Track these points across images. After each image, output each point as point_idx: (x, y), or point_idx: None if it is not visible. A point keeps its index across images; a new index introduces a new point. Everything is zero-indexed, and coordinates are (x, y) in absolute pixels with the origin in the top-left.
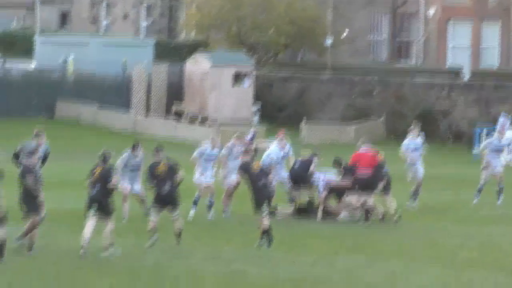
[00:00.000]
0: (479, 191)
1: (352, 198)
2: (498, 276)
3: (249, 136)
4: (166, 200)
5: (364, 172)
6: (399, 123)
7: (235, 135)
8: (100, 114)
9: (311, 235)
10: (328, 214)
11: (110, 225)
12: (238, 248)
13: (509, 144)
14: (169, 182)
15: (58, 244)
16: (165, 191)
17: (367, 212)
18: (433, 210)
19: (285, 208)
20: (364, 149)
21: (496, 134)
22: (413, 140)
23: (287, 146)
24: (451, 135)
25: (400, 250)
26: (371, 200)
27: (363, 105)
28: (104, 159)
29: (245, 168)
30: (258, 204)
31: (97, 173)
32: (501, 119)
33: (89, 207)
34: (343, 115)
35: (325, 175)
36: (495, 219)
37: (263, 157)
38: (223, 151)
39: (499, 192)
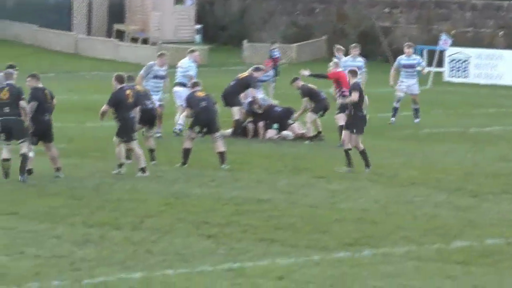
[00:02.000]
0: (395, 110)
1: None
2: (438, 195)
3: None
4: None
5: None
6: (342, 42)
7: (158, 54)
8: (40, 33)
9: (254, 154)
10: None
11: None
12: (181, 168)
13: (418, 64)
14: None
15: None
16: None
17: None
18: (375, 130)
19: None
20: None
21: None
22: (354, 59)
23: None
24: (392, 54)
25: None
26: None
27: (305, 23)
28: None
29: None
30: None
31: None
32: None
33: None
34: (285, 34)
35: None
36: (437, 138)
37: None
38: (141, 71)
39: (416, 112)
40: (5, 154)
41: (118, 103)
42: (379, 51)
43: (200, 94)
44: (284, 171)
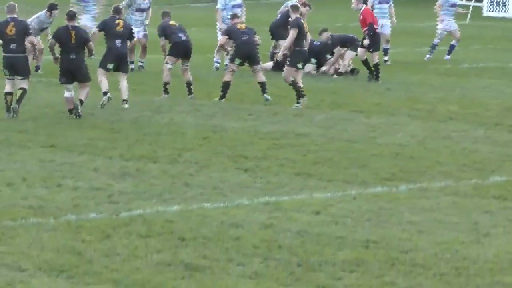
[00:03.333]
0: (433, 47)
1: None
2: (477, 130)
3: None
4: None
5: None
6: None
7: None
8: None
9: (292, 89)
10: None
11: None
12: (219, 102)
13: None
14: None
15: (37, 100)
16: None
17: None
18: (413, 65)
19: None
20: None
21: None
22: None
23: None
24: None
25: (380, 105)
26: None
27: None
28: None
29: None
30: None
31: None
32: None
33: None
34: None
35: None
36: (476, 73)
37: None
38: (123, 2)
39: (451, 47)
40: (7, 88)
41: (107, 30)
42: None
43: (242, 26)
44: (322, 106)
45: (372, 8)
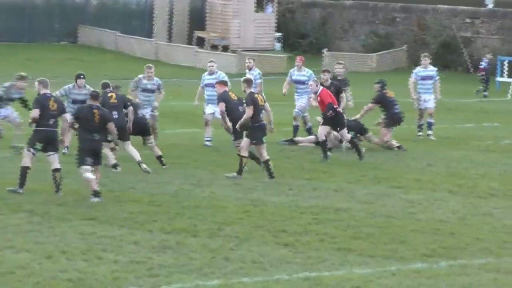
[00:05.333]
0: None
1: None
2: None
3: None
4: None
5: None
6: (422, 52)
7: (145, 66)
8: (121, 40)
9: (332, 163)
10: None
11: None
12: (260, 176)
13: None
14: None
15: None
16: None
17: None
18: (454, 141)
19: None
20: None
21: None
22: (425, 68)
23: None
24: (472, 64)
25: (420, 181)
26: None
27: (386, 32)
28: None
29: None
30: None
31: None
32: None
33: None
34: (365, 43)
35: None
36: None
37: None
38: (130, 85)
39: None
40: (28, 162)
41: (103, 105)
42: (459, 62)
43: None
44: (363, 181)
45: (416, 84)
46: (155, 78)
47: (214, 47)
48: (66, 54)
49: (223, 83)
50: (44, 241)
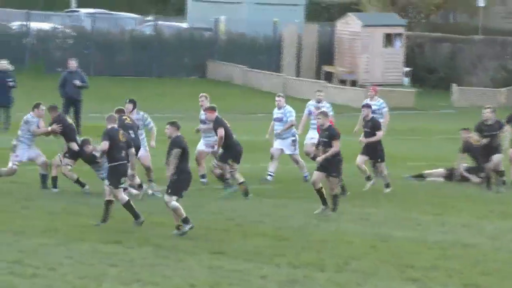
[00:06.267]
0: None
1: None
2: None
3: None
4: None
5: None
6: None
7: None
8: (250, 74)
9: (460, 198)
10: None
11: None
12: (387, 210)
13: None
14: None
15: (207, 207)
16: None
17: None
18: None
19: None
20: None
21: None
22: None
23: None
24: None
25: None
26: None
27: None
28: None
29: None
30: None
31: None
32: None
33: None
34: (494, 78)
35: None
36: None
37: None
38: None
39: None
40: (109, 196)
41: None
42: None
43: None
44: (490, 216)
45: None
46: (141, 112)
47: (342, 82)
48: (195, 89)
49: (214, 109)
50: (171, 274)
